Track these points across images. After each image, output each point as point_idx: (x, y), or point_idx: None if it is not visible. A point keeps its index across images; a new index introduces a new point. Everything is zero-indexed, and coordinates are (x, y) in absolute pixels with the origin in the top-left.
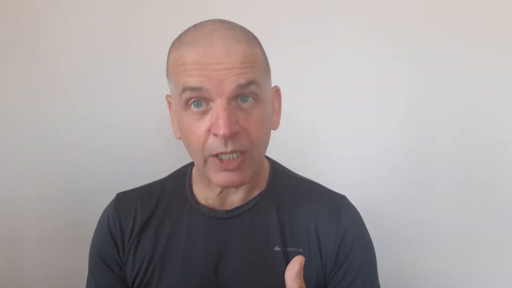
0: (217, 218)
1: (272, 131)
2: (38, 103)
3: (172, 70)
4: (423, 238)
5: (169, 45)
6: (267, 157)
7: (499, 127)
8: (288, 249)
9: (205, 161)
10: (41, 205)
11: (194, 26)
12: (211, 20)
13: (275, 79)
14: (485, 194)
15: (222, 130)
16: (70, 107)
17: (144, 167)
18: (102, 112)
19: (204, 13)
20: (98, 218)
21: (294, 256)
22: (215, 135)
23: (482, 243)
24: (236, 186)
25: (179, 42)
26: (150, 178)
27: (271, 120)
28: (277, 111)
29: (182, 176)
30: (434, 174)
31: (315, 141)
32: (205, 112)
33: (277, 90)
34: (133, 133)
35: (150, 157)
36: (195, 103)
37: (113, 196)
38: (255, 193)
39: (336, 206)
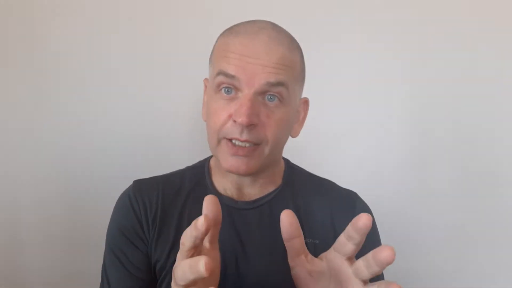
0: (238, 209)
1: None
2: (39, 105)
3: (215, 54)
4: (423, 237)
5: (172, 46)
6: (283, 158)
7: (500, 125)
8: (306, 240)
9: (219, 142)
10: (41, 207)
11: (248, 21)
12: (264, 20)
13: None
14: (485, 193)
15: (241, 117)
16: (70, 108)
17: (146, 169)
18: (103, 114)
19: (205, 14)
20: (98, 220)
21: (311, 248)
22: (235, 121)
23: (482, 243)
24: (241, 173)
25: (229, 31)
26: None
27: (292, 126)
28: (301, 121)
29: (201, 168)
30: (434, 173)
31: (316, 140)
32: (232, 99)
33: (305, 102)
34: (135, 135)
35: (152, 159)
36: (226, 89)
37: (113, 198)
38: (271, 188)
39: (350, 201)
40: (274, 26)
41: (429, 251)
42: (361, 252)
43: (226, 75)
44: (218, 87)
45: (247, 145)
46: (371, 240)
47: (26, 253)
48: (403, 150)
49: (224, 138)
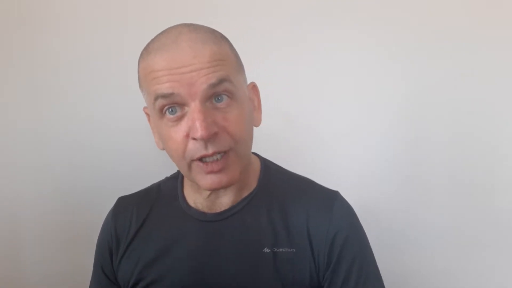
0: (207, 221)
1: (274, 132)
2: (38, 103)
3: (143, 80)
4: (421, 236)
5: None
6: (258, 155)
7: (495, 124)
8: (281, 249)
9: (189, 167)
10: (41, 205)
11: (160, 33)
12: (176, 25)
13: (273, 79)
14: (483, 191)
15: (199, 132)
16: (70, 107)
17: (145, 167)
18: (102, 112)
19: (204, 14)
20: (98, 218)
21: (286, 256)
22: (194, 138)
23: (482, 241)
24: (225, 186)
25: (146, 51)
26: (151, 177)
27: (252, 117)
28: (258, 108)
29: (175, 179)
30: (431, 171)
31: (312, 141)
32: (181, 118)
33: (254, 86)
34: (134, 133)
35: (151, 157)
36: (170, 109)
37: (113, 196)
38: (245, 193)
39: (327, 204)
40: (190, 26)
41: (427, 252)
42: (345, 260)
43: (163, 96)
44: (161, 111)
45: (218, 157)
46: (354, 246)
47: (25, 250)
48: (402, 149)
49: (192, 160)
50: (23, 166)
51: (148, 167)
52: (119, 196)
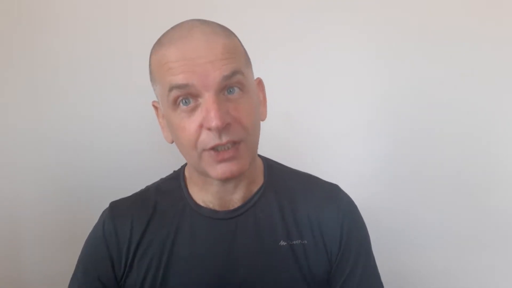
0: (220, 219)
1: (273, 129)
2: (38, 103)
3: (156, 71)
4: (421, 236)
5: None
6: (259, 155)
7: (495, 124)
8: (294, 242)
9: (200, 157)
10: (41, 205)
11: (172, 27)
12: (187, 20)
13: (273, 79)
14: (483, 191)
15: (214, 122)
16: (70, 107)
17: (145, 167)
18: (102, 112)
19: (204, 12)
20: (98, 218)
21: (300, 249)
22: (208, 129)
23: (481, 241)
24: (235, 176)
25: (158, 44)
26: (151, 177)
27: (259, 111)
28: (263, 102)
29: (176, 179)
30: (431, 171)
31: (312, 141)
32: (194, 109)
33: (259, 82)
34: (134, 133)
35: (152, 157)
36: (184, 100)
37: (113, 196)
38: (254, 189)
39: (333, 196)
40: (201, 21)
41: (429, 251)
42: (353, 247)
43: (178, 87)
44: (175, 102)
45: (229, 146)
46: (359, 234)
47: (25, 250)
48: (401, 149)
49: (204, 150)
50: (23, 166)
51: (148, 167)
52: (110, 201)
